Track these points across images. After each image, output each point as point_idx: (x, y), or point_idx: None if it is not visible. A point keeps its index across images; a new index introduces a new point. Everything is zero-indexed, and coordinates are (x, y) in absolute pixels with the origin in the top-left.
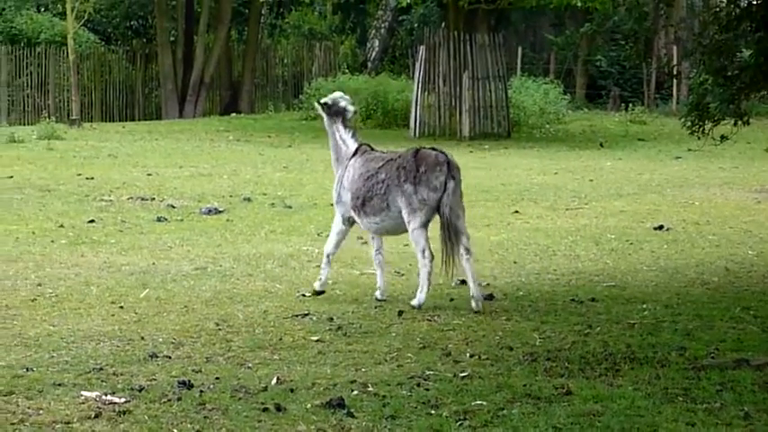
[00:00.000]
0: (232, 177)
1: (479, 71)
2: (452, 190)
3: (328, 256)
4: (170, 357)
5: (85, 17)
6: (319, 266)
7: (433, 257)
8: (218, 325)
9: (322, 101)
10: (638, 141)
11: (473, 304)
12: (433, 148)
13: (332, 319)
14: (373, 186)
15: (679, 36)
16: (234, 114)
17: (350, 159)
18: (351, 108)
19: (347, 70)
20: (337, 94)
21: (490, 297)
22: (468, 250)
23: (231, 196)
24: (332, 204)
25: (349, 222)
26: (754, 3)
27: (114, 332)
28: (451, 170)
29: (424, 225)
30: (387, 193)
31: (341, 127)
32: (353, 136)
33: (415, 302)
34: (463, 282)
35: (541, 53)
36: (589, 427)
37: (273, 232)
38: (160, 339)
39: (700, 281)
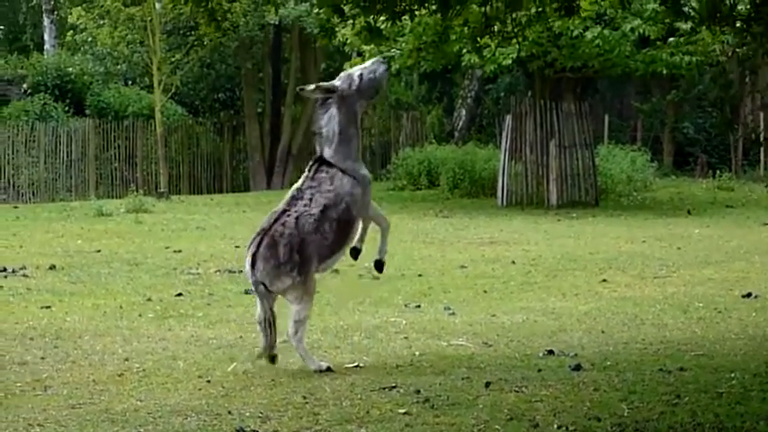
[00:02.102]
0: None
1: (566, 139)
2: (255, 285)
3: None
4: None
5: (173, 90)
6: (406, 338)
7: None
8: (305, 398)
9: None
10: (726, 208)
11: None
12: (261, 236)
13: (419, 391)
14: None
15: (765, 102)
16: None
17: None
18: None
19: (434, 140)
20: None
21: (578, 368)
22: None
23: None
24: (419, 275)
25: None
26: None
27: (201, 407)
28: (254, 268)
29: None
30: None
31: None
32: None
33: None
34: (550, 352)
35: (628, 120)
36: None
37: (361, 303)
38: (247, 413)
39: None
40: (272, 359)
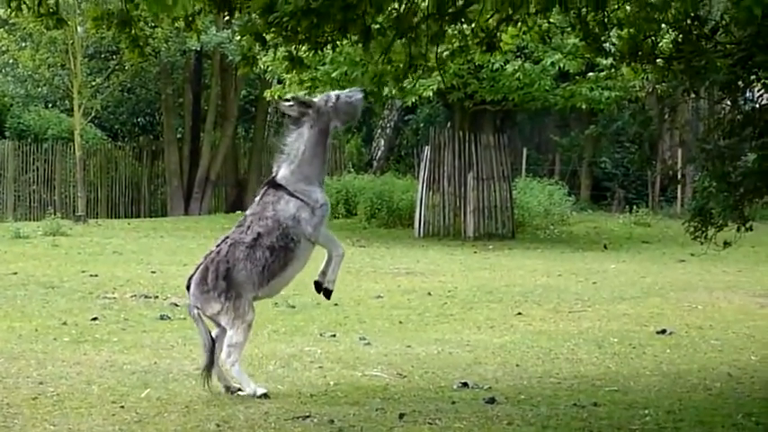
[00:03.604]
0: None
1: (484, 172)
2: (189, 309)
3: None
4: None
5: (93, 114)
6: (320, 367)
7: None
8: (219, 426)
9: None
10: (643, 244)
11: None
12: (202, 261)
13: (332, 421)
14: None
15: (684, 139)
16: (239, 212)
17: None
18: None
19: (352, 169)
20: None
21: (492, 401)
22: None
23: None
24: (335, 305)
25: None
26: (758, 108)
27: None
28: (189, 291)
29: None
30: None
31: None
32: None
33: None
34: (464, 384)
35: (546, 154)
36: None
37: (276, 332)
38: None
39: (702, 386)
40: (227, 389)
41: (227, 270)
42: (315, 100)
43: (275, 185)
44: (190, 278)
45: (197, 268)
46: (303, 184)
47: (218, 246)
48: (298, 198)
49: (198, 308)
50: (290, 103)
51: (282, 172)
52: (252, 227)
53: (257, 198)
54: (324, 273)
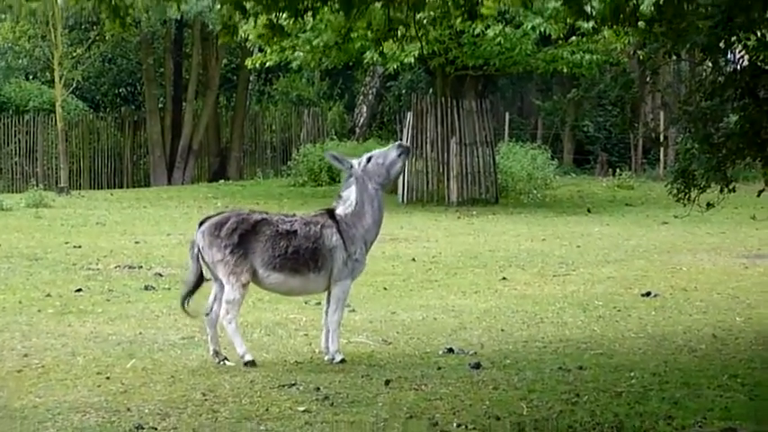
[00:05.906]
0: None
1: (467, 137)
2: (191, 245)
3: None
4: (156, 429)
5: (74, 85)
6: (306, 335)
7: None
8: (204, 395)
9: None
10: (626, 206)
11: (215, 359)
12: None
13: (318, 388)
14: None
15: (666, 101)
16: (222, 181)
17: None
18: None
19: (335, 136)
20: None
21: (477, 366)
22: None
23: None
24: None
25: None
26: (739, 69)
27: (100, 403)
28: (198, 236)
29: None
30: None
31: None
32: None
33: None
34: (450, 350)
35: (529, 118)
36: None
37: (261, 300)
38: (146, 410)
39: (687, 348)
40: (215, 354)
41: (247, 232)
42: (349, 160)
43: (332, 216)
44: (207, 218)
45: (219, 213)
46: (351, 231)
47: (253, 210)
48: (342, 239)
49: (200, 249)
50: (328, 157)
51: (339, 210)
52: (294, 223)
53: (311, 213)
54: (327, 348)
